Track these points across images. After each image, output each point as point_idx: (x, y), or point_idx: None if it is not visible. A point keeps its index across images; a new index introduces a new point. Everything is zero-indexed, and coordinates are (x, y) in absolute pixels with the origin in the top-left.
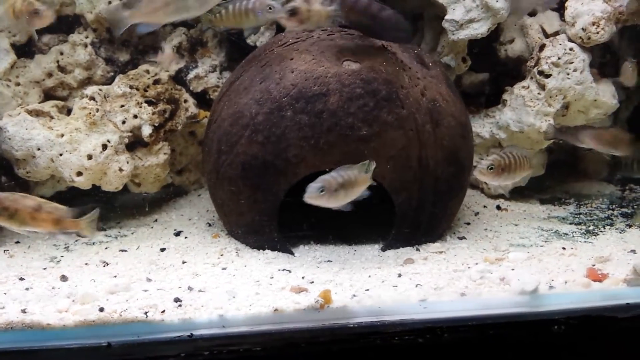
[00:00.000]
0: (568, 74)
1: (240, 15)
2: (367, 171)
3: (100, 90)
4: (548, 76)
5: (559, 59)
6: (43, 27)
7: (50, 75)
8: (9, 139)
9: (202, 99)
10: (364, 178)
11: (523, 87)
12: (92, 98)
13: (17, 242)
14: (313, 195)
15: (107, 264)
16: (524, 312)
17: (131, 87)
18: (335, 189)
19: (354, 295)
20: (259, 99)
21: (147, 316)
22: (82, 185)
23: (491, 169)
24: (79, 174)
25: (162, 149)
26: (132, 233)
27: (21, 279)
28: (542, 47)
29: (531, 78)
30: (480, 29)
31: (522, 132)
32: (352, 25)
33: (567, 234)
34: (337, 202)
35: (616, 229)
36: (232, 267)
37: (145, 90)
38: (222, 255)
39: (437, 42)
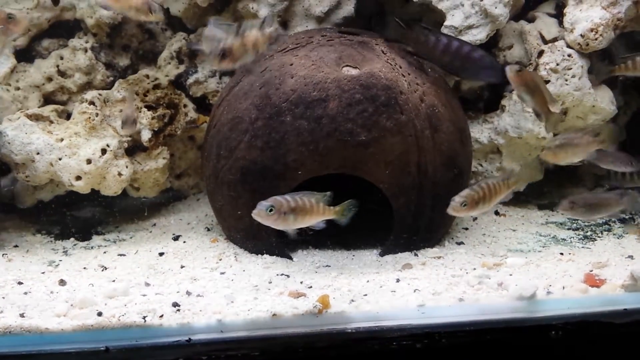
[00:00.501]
0: (566, 80)
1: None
2: (325, 202)
3: (100, 94)
4: (546, 82)
5: (557, 65)
6: (42, 32)
7: (50, 79)
8: (9, 143)
9: (202, 103)
10: (320, 209)
11: None
12: (92, 102)
13: (16, 246)
14: (261, 214)
15: (106, 269)
16: (522, 318)
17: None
18: (284, 212)
19: (352, 300)
20: (259, 104)
21: (145, 321)
22: (81, 190)
23: (464, 205)
24: (78, 178)
25: (161, 153)
26: (131, 237)
27: (20, 283)
28: (540, 53)
29: None
30: (479, 35)
31: (520, 137)
32: (443, 67)
33: (564, 240)
34: (286, 225)
35: (614, 234)
36: (231, 271)
37: (145, 95)
38: (220, 259)
39: None
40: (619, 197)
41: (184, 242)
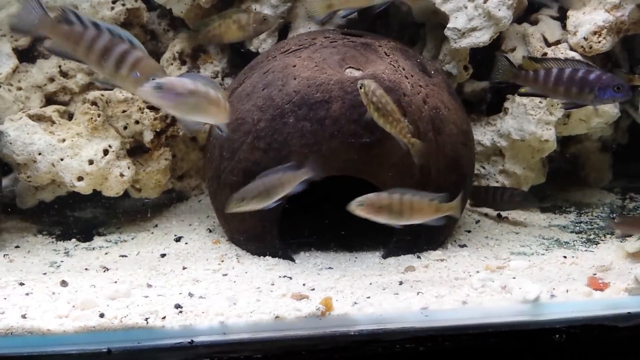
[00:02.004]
0: None
1: None
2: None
3: (102, 95)
4: None
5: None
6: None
7: (52, 80)
8: (10, 143)
9: None
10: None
11: None
12: (94, 103)
13: (17, 247)
14: (147, 90)
15: (108, 270)
16: (526, 321)
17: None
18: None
19: (355, 303)
20: (262, 105)
21: (147, 322)
22: (83, 190)
23: (361, 205)
24: (80, 178)
25: (163, 154)
26: (133, 238)
27: (21, 284)
28: (543, 55)
29: None
30: (482, 38)
31: (523, 140)
32: (564, 99)
33: (568, 243)
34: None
35: (617, 237)
36: (233, 273)
37: None
38: (222, 261)
39: (439, 50)
40: None
41: (186, 243)
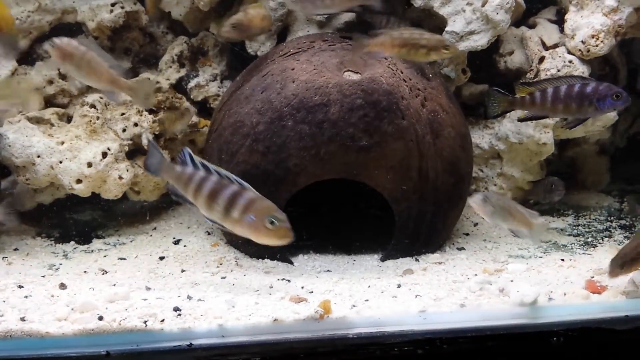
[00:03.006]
0: None
1: None
2: None
3: (101, 98)
4: None
5: (558, 71)
6: (43, 35)
7: (51, 82)
8: (9, 145)
9: (203, 107)
10: None
11: None
12: (93, 106)
13: (16, 250)
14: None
15: (106, 272)
16: (523, 324)
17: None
18: None
19: (354, 306)
20: (260, 108)
21: (146, 325)
22: (82, 193)
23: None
24: (79, 181)
25: None
26: (131, 241)
27: (20, 286)
28: (541, 59)
29: None
30: (480, 41)
31: (521, 143)
32: (565, 116)
33: (565, 246)
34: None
35: (614, 240)
36: (232, 276)
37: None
38: (221, 264)
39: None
40: None
41: (185, 246)
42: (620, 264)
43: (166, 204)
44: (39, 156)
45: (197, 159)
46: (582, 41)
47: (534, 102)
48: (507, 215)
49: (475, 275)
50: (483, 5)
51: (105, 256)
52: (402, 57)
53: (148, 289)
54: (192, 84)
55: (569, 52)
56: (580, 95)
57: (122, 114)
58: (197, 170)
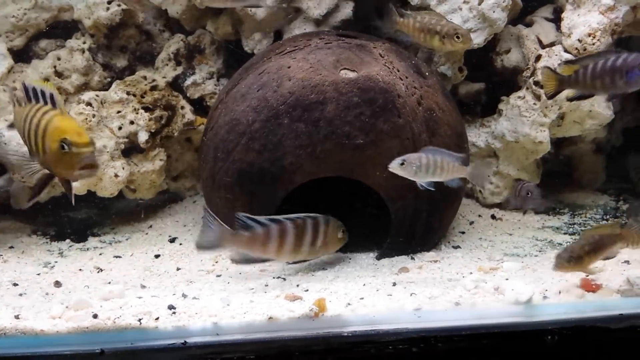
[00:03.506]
0: None
1: None
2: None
3: (97, 95)
4: (542, 86)
5: None
6: (39, 33)
7: (47, 80)
8: (5, 143)
9: (199, 105)
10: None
11: (519, 97)
12: (89, 104)
13: (11, 247)
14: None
15: (101, 270)
16: (518, 322)
17: (128, 93)
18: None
19: (349, 304)
20: (256, 106)
21: (141, 323)
22: (77, 191)
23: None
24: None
25: (158, 155)
26: (127, 239)
27: (15, 284)
28: (538, 57)
29: (527, 88)
30: (477, 39)
31: (517, 142)
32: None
33: (561, 244)
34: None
35: None
36: (227, 274)
37: (142, 97)
38: (216, 262)
39: (433, 52)
40: None
41: (180, 244)
42: (567, 259)
43: (162, 202)
44: None
45: (255, 217)
46: (578, 39)
47: (577, 81)
48: (434, 170)
49: (471, 273)
50: (480, 4)
51: (100, 254)
52: (421, 43)
53: (143, 287)
54: (188, 82)
55: (566, 51)
56: (613, 70)
57: (118, 111)
58: (269, 225)
